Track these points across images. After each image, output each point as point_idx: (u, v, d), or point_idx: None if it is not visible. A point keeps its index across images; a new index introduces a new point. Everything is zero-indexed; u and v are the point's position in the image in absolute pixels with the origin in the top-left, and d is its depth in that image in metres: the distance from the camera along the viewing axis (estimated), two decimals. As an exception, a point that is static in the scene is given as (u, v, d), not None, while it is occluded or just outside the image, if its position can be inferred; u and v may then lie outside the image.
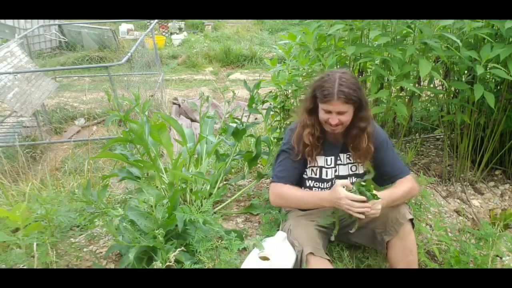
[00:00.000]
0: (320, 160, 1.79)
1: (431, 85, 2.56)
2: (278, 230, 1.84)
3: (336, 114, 1.62)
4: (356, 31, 2.32)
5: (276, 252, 1.59)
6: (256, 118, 4.15)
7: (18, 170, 3.58)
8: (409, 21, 2.14)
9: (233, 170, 2.85)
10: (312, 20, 2.43)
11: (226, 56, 9.28)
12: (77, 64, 8.20)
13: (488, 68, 2.24)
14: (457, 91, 2.54)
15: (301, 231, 1.69)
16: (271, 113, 2.66)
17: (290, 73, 2.57)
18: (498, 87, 2.52)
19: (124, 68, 6.38)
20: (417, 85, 2.40)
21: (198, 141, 2.20)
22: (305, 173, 1.82)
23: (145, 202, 1.61)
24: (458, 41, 1.96)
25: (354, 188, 1.56)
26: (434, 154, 3.07)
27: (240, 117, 2.53)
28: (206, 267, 1.55)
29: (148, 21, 10.12)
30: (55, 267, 1.61)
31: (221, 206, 2.26)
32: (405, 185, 1.68)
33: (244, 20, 11.99)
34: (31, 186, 2.67)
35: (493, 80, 2.49)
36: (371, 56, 2.24)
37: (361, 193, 1.53)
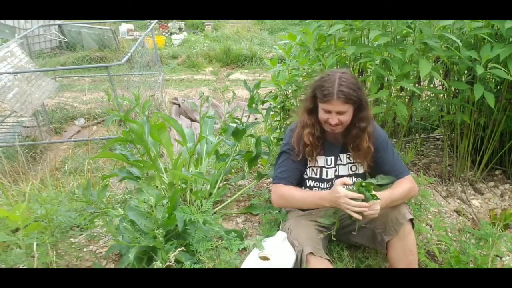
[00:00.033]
0: (321, 160, 1.79)
1: (431, 85, 2.56)
2: (278, 230, 1.84)
3: (336, 114, 1.62)
4: (356, 31, 2.32)
5: (276, 252, 1.59)
6: (256, 118, 4.15)
7: (18, 170, 3.58)
8: (409, 21, 2.14)
9: (233, 170, 2.85)
10: (312, 20, 2.43)
11: (226, 56, 9.28)
12: (77, 64, 8.20)
13: (488, 68, 2.24)
14: (457, 91, 2.54)
15: (301, 231, 1.69)
16: (271, 113, 2.66)
17: (290, 73, 2.57)
18: (498, 87, 2.52)
19: (124, 68, 6.38)
20: (417, 85, 2.40)
21: (198, 141, 2.20)
22: (305, 173, 1.82)
23: (145, 202, 1.61)
24: (458, 41, 1.96)
25: (353, 188, 1.56)
26: (434, 154, 3.07)
27: (240, 117, 2.53)
28: (206, 267, 1.55)
29: (148, 21, 10.12)
30: (55, 267, 1.61)
31: (221, 206, 2.26)
32: (405, 185, 1.68)
33: (244, 20, 11.99)
34: (31, 186, 2.67)
35: (493, 80, 2.49)
36: (371, 56, 2.24)
37: (360, 194, 1.53)
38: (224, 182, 2.56)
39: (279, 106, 2.65)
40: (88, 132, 5.39)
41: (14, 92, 4.49)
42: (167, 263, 1.46)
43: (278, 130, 2.72)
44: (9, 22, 8.49)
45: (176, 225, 1.61)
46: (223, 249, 1.64)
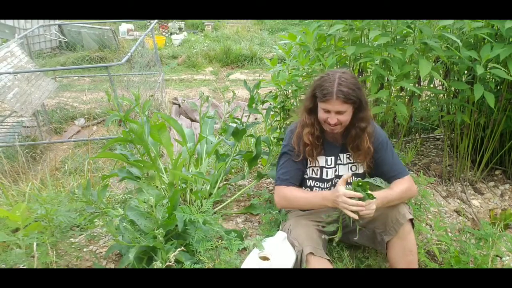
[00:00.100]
0: (321, 160, 1.79)
1: (431, 85, 2.56)
2: (278, 230, 1.84)
3: (335, 114, 1.62)
4: (356, 31, 2.32)
5: (276, 252, 1.59)
6: (256, 118, 4.15)
7: (18, 170, 3.58)
8: (409, 21, 2.14)
9: (233, 170, 2.85)
10: (312, 20, 2.43)
11: (226, 56, 9.29)
12: (77, 64, 8.20)
13: (488, 68, 2.24)
14: (457, 91, 2.54)
15: (301, 231, 1.69)
16: (271, 113, 2.66)
17: (290, 73, 2.57)
18: (498, 87, 2.52)
19: (124, 68, 6.38)
20: (417, 85, 2.40)
21: (198, 141, 2.20)
22: (305, 173, 1.82)
23: (145, 202, 1.61)
24: (458, 41, 1.96)
25: (351, 188, 1.56)
26: (434, 154, 3.07)
27: (240, 117, 2.53)
28: (206, 267, 1.55)
29: (148, 21, 10.12)
30: (55, 267, 1.61)
31: (221, 206, 2.26)
32: (402, 185, 1.68)
33: (244, 20, 11.99)
34: (31, 186, 2.67)
35: (493, 80, 2.49)
36: (371, 56, 2.24)
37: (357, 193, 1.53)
38: (224, 182, 2.56)
39: (279, 106, 2.65)
40: (88, 132, 5.40)
41: (14, 92, 4.49)
42: (167, 263, 1.46)
43: (278, 130, 2.72)
44: (9, 22, 8.49)
45: (176, 225, 1.61)
46: (223, 249, 1.64)
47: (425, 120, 3.46)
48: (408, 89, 2.38)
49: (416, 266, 1.67)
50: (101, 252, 1.89)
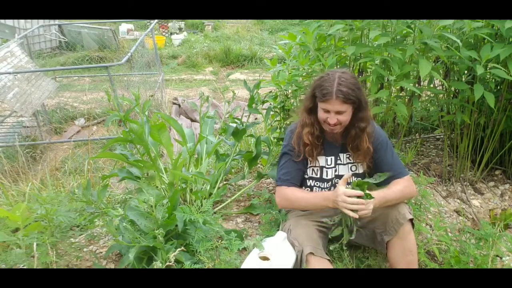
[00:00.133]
0: (321, 160, 1.79)
1: (431, 85, 2.56)
2: (278, 230, 1.84)
3: (335, 114, 1.62)
4: (356, 31, 2.32)
5: (276, 252, 1.59)
6: (256, 118, 4.15)
7: (18, 170, 3.58)
8: (409, 21, 2.14)
9: (233, 170, 2.85)
10: (312, 20, 2.43)
11: (226, 56, 9.29)
12: (77, 64, 8.20)
13: (488, 68, 2.24)
14: (457, 91, 2.54)
15: (301, 231, 1.69)
16: (271, 113, 2.66)
17: (290, 73, 2.57)
18: (498, 87, 2.52)
19: (124, 68, 6.38)
20: (417, 85, 2.40)
21: (198, 141, 2.20)
22: (305, 173, 1.82)
23: (145, 202, 1.61)
24: (458, 41, 1.96)
25: (350, 188, 1.56)
26: (434, 154, 3.07)
27: (240, 117, 2.53)
28: (206, 267, 1.55)
29: (148, 21, 10.12)
30: (55, 267, 1.61)
31: (221, 206, 2.26)
32: (400, 185, 1.67)
33: (244, 20, 11.99)
34: (31, 186, 2.67)
35: (493, 80, 2.49)
36: (371, 56, 2.24)
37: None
38: (224, 182, 2.56)
39: (279, 106, 2.65)
40: (88, 132, 5.40)
41: (14, 92, 4.49)
42: (167, 263, 1.46)
43: (278, 130, 2.72)
44: (9, 22, 8.49)
45: (176, 225, 1.61)
46: (223, 249, 1.64)
47: (425, 120, 3.46)
48: (408, 89, 2.38)
49: (416, 266, 1.67)
50: (101, 252, 1.89)
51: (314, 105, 1.71)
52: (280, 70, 2.64)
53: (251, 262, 1.56)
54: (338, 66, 2.51)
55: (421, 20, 2.10)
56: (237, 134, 2.38)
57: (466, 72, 2.49)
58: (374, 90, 2.22)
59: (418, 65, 2.08)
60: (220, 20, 11.99)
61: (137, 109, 2.00)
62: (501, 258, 1.97)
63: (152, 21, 8.36)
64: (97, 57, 8.65)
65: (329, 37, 2.42)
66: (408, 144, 3.12)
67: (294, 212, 1.87)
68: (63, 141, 5.05)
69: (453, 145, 2.73)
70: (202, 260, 1.57)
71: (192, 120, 5.85)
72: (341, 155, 1.79)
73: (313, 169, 1.81)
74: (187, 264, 1.55)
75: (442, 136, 3.25)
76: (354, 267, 1.81)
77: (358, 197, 1.52)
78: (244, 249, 1.72)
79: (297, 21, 11.01)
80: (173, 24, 11.28)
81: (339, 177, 1.78)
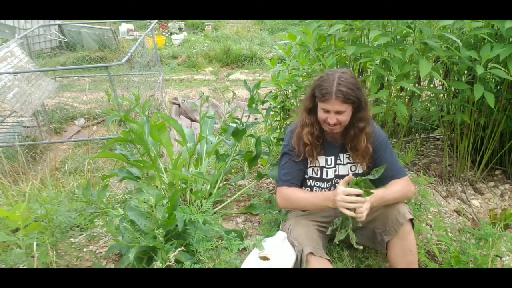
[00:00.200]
0: (321, 160, 1.79)
1: (431, 85, 2.56)
2: (278, 230, 1.84)
3: (334, 114, 1.62)
4: (356, 31, 2.32)
5: (276, 252, 1.59)
6: (256, 118, 4.15)
7: (18, 170, 3.58)
8: (409, 21, 2.14)
9: (233, 170, 2.85)
10: (312, 20, 2.43)
11: (226, 56, 9.29)
12: (77, 64, 8.21)
13: (488, 68, 2.24)
14: (457, 91, 2.54)
15: (301, 231, 1.69)
16: (271, 113, 2.66)
17: (290, 73, 2.57)
18: (498, 87, 2.52)
19: (124, 68, 6.38)
20: (417, 85, 2.40)
21: (198, 141, 2.20)
22: (306, 173, 1.82)
23: (145, 202, 1.61)
24: (458, 41, 1.96)
25: (348, 186, 1.57)
26: (434, 154, 3.07)
27: (240, 117, 2.53)
28: (206, 267, 1.55)
29: (148, 21, 10.12)
30: (55, 267, 1.61)
31: (221, 206, 2.26)
32: (398, 185, 1.68)
33: (244, 20, 12.00)
34: (31, 186, 2.67)
35: (493, 80, 2.49)
36: (371, 56, 2.24)
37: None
38: (224, 182, 2.56)
39: (279, 106, 2.65)
40: (88, 132, 5.40)
41: (14, 92, 4.49)
42: (167, 263, 1.46)
43: (278, 130, 2.72)
44: (9, 22, 8.49)
45: (176, 225, 1.61)
46: (223, 249, 1.64)
47: (425, 120, 3.46)
48: (408, 89, 2.38)
49: (416, 266, 1.67)
50: (101, 252, 1.89)
51: (314, 105, 1.71)
52: (280, 70, 2.64)
53: (251, 262, 1.56)
54: (338, 66, 2.51)
55: (421, 20, 2.10)
56: (237, 134, 2.38)
57: (466, 72, 2.49)
58: (374, 90, 2.22)
59: (418, 65, 2.08)
60: (220, 20, 11.99)
61: (137, 109, 2.00)
62: (501, 258, 1.97)
63: (152, 21, 8.37)
64: (97, 57, 8.66)
65: (329, 37, 2.42)
66: (408, 144, 3.12)
67: (294, 212, 1.87)
68: (63, 141, 5.05)
69: (453, 145, 2.73)
70: (202, 260, 1.57)
71: (192, 120, 5.85)
72: (341, 155, 1.79)
73: (313, 169, 1.81)
74: (187, 264, 1.55)
75: (442, 136, 3.25)
76: (354, 267, 1.81)
77: (358, 196, 1.52)
78: (244, 249, 1.72)
79: (297, 21, 11.01)
80: (173, 24, 11.28)
81: (339, 177, 1.78)
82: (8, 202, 2.36)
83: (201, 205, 1.69)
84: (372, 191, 1.56)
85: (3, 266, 1.59)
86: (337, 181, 1.79)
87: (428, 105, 3.49)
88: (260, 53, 9.35)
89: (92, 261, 1.80)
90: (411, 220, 1.64)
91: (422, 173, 2.30)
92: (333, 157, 1.79)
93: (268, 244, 1.63)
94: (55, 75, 6.75)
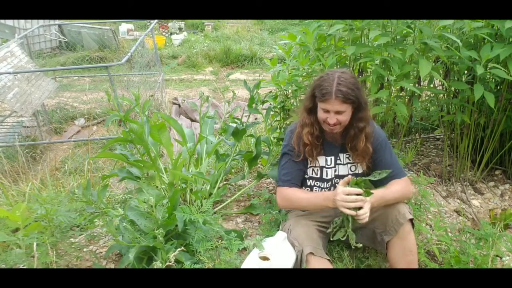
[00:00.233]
0: (321, 160, 1.79)
1: (431, 85, 2.56)
2: (278, 230, 1.84)
3: (334, 114, 1.62)
4: (356, 31, 2.32)
5: (276, 252, 1.59)
6: (256, 118, 4.15)
7: (18, 170, 3.58)
8: (409, 21, 2.14)
9: (233, 170, 2.85)
10: (312, 20, 2.43)
11: (226, 56, 9.29)
12: (77, 64, 8.21)
13: (488, 68, 2.24)
14: (457, 91, 2.54)
15: (301, 231, 1.69)
16: (271, 113, 2.66)
17: (290, 73, 2.57)
18: (498, 87, 2.52)
19: (124, 68, 6.38)
20: (417, 85, 2.40)
21: (198, 141, 2.20)
22: (306, 173, 1.82)
23: (145, 202, 1.61)
24: (458, 41, 1.96)
25: (348, 186, 1.57)
26: (434, 154, 3.07)
27: (240, 117, 2.53)
28: (206, 267, 1.55)
29: (148, 21, 10.12)
30: (55, 267, 1.61)
31: (221, 206, 2.26)
32: (398, 185, 1.68)
33: (244, 20, 12.00)
34: (31, 186, 2.67)
35: (493, 80, 2.49)
36: (371, 56, 2.24)
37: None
38: (224, 182, 2.56)
39: (279, 106, 2.65)
40: (88, 132, 5.40)
41: (14, 92, 4.49)
42: (167, 263, 1.46)
43: (278, 130, 2.72)
44: (9, 22, 8.49)
45: (176, 225, 1.61)
46: (223, 249, 1.64)
47: (425, 120, 3.46)
48: (408, 89, 2.38)
49: (416, 266, 1.67)
50: (101, 252, 1.89)
51: (313, 105, 1.71)
52: (280, 70, 2.64)
53: (251, 262, 1.56)
54: (338, 66, 2.51)
55: (421, 20, 2.10)
56: (237, 134, 2.38)
57: (466, 72, 2.49)
58: (374, 90, 2.22)
59: (418, 65, 2.08)
60: (220, 20, 11.99)
61: (137, 109, 2.00)
62: (501, 258, 1.97)
63: (152, 21, 8.36)
64: (97, 57, 8.66)
65: (329, 37, 2.42)
66: (408, 144, 3.12)
67: (294, 212, 1.87)
68: (63, 141, 5.05)
69: (453, 145, 2.73)
70: (202, 260, 1.57)
71: (192, 120, 5.85)
72: (340, 155, 1.79)
73: (313, 169, 1.81)
74: (187, 264, 1.55)
75: (442, 136, 3.25)
76: (354, 267, 1.81)
77: (358, 195, 1.52)
78: (244, 249, 1.72)
79: (297, 21, 11.02)
80: (173, 24, 11.28)
81: (339, 177, 1.78)
82: (8, 202, 2.36)
83: (201, 205, 1.69)
84: (372, 191, 1.56)
85: (3, 266, 1.59)
86: (337, 181, 1.79)
87: (428, 105, 3.49)
88: (260, 53, 9.35)
89: (92, 261, 1.80)
90: (411, 220, 1.64)
91: (422, 173, 2.30)
92: (333, 157, 1.79)
93: (268, 244, 1.63)
94: (55, 75, 6.75)
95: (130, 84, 5.59)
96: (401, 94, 2.58)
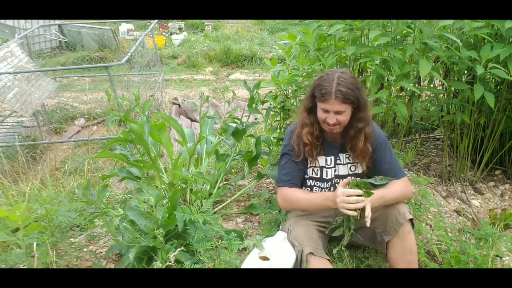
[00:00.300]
0: (321, 160, 1.79)
1: (431, 85, 2.56)
2: (278, 230, 1.84)
3: (334, 114, 1.62)
4: (356, 31, 2.32)
5: (276, 252, 1.59)
6: (256, 118, 4.15)
7: (18, 170, 3.58)
8: (409, 21, 2.14)
9: (233, 170, 2.85)
10: (312, 20, 2.43)
11: (226, 56, 9.29)
12: (77, 64, 8.21)
13: (488, 68, 2.24)
14: (457, 91, 2.54)
15: (301, 231, 1.69)
16: (271, 113, 2.66)
17: (290, 73, 2.57)
18: (498, 87, 2.52)
19: (124, 68, 6.38)
20: (417, 85, 2.40)
21: (198, 141, 2.20)
22: (306, 173, 1.82)
23: (145, 202, 1.61)
24: (458, 41, 1.96)
25: (348, 187, 1.57)
26: (434, 154, 3.07)
27: (240, 117, 2.53)
28: (206, 267, 1.55)
29: (148, 21, 10.12)
30: (55, 267, 1.61)
31: (221, 206, 2.26)
32: (398, 185, 1.67)
33: (244, 20, 11.99)
34: (31, 186, 2.67)
35: (493, 80, 2.49)
36: (371, 56, 2.24)
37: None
38: (224, 182, 2.56)
39: (279, 106, 2.65)
40: (88, 132, 5.40)
41: (14, 92, 4.49)
42: (167, 263, 1.46)
43: (278, 130, 2.72)
44: (9, 22, 8.49)
45: (176, 225, 1.61)
46: (223, 249, 1.64)
47: (425, 120, 3.46)
48: (408, 89, 2.38)
49: (416, 266, 1.67)
50: (101, 252, 1.89)
51: (313, 105, 1.71)
52: (280, 70, 2.64)
53: (251, 262, 1.56)
54: (338, 66, 2.51)
55: (421, 20, 2.10)
56: (237, 134, 2.38)
57: (466, 72, 2.49)
58: (374, 90, 2.22)
59: (418, 65, 2.08)
60: (220, 20, 11.99)
61: (137, 109, 2.00)
62: (501, 258, 1.97)
63: (152, 21, 8.36)
64: (97, 57, 8.66)
65: (329, 37, 2.42)
66: (408, 144, 3.12)
67: (294, 212, 1.87)
68: (63, 141, 5.05)
69: (453, 145, 2.73)
70: (202, 260, 1.57)
71: (192, 120, 5.85)
72: (340, 155, 1.79)
73: (313, 169, 1.81)
74: (187, 264, 1.55)
75: (442, 136, 3.25)
76: (354, 267, 1.81)
77: (358, 196, 1.52)
78: (244, 249, 1.72)
79: (297, 21, 11.01)
80: (173, 24, 11.28)
81: (339, 177, 1.78)
82: (8, 202, 2.36)
83: (201, 205, 1.69)
84: (372, 191, 1.56)
85: (3, 266, 1.59)
86: (337, 181, 1.79)
87: (428, 105, 3.49)
88: (260, 53, 9.35)
89: (92, 261, 1.80)
90: (411, 220, 1.64)
91: (422, 173, 2.30)
92: (332, 157, 1.79)
93: (268, 244, 1.63)
94: (55, 75, 6.75)
95: (130, 84, 5.59)
96: (401, 94, 2.58)
